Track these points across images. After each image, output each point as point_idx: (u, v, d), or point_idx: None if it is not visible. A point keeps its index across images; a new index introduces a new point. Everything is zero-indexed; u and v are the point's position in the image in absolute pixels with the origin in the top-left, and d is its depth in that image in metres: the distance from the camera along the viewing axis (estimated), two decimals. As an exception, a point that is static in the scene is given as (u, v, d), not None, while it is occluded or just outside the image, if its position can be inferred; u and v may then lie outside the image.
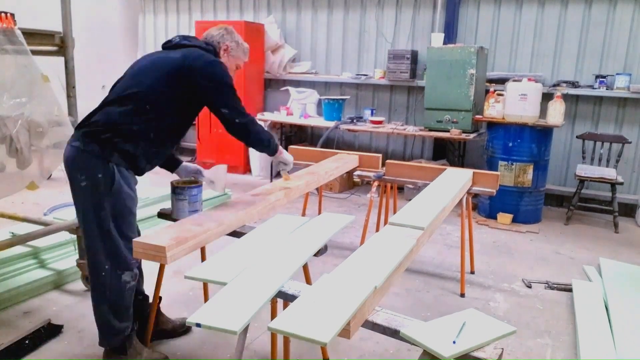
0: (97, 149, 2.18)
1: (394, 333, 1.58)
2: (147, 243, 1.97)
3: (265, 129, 2.55)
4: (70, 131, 2.74)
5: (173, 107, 2.30)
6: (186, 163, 2.71)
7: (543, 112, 4.89)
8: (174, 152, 2.63)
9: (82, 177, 2.19)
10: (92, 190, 2.19)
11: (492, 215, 5.04)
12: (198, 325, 1.54)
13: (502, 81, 5.41)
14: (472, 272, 3.71)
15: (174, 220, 2.43)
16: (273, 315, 1.98)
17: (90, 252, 2.29)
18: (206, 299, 2.92)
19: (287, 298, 1.80)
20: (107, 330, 2.36)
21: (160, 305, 2.74)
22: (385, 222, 3.72)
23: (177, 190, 2.50)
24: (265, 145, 2.52)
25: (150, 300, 2.64)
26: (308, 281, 2.38)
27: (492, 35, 5.77)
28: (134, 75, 2.31)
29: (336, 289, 1.65)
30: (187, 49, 2.34)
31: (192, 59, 2.28)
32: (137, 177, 2.39)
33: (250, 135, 2.43)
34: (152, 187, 4.99)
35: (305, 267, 2.38)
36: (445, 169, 3.57)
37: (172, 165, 2.64)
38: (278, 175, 2.94)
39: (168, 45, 2.42)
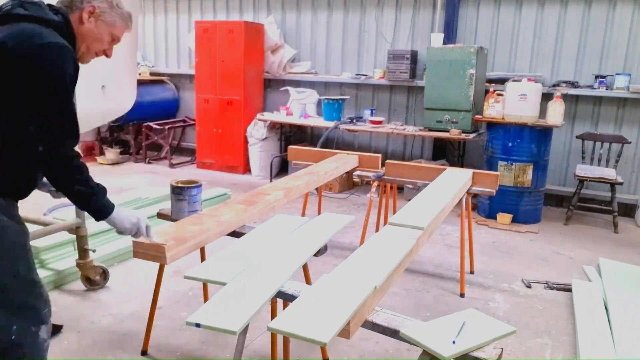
0: None
1: (393, 333, 1.58)
2: (147, 243, 1.97)
3: (93, 181, 1.73)
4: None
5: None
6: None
7: (543, 112, 4.89)
8: None
9: None
10: None
11: (491, 216, 5.04)
12: (198, 325, 1.53)
13: (501, 81, 5.41)
14: (472, 272, 3.71)
15: (174, 220, 2.43)
16: (273, 315, 1.98)
17: None
18: (206, 299, 2.92)
19: (287, 298, 1.80)
20: None
21: (161, 305, 2.74)
22: (385, 222, 3.72)
23: (176, 190, 2.50)
24: (86, 201, 1.74)
25: (150, 300, 2.63)
26: (308, 281, 2.38)
27: (491, 35, 5.77)
28: None
29: (336, 289, 1.65)
30: (15, 25, 1.59)
31: (17, 41, 1.55)
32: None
33: (68, 178, 1.68)
34: (152, 187, 4.99)
35: (305, 267, 2.38)
36: (444, 169, 3.57)
37: None
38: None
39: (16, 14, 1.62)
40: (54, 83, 1.58)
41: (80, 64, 1.73)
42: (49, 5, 1.70)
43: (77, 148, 1.74)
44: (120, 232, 1.85)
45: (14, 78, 1.55)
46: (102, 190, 1.76)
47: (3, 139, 1.61)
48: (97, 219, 1.78)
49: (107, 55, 1.87)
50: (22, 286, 1.68)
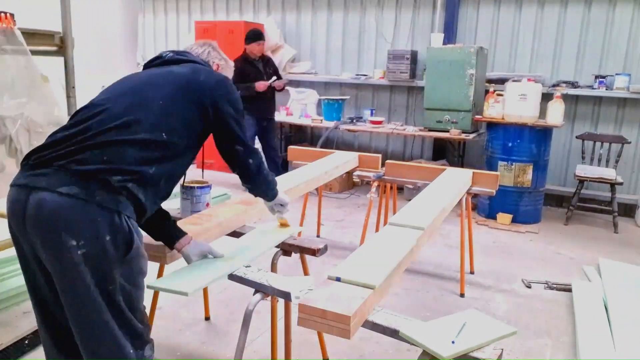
0: (107, 199, 1.50)
1: (393, 333, 1.58)
2: (147, 243, 1.96)
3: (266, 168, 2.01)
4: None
5: (188, 135, 1.74)
6: (196, 241, 1.98)
7: (543, 112, 4.89)
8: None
9: (79, 241, 1.46)
10: (95, 258, 1.49)
11: (491, 216, 5.04)
12: (154, 288, 1.77)
13: (501, 81, 5.41)
14: (472, 273, 3.71)
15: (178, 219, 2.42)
16: (273, 314, 1.98)
17: (100, 342, 1.55)
18: (206, 298, 2.93)
19: (288, 298, 1.80)
20: None
21: (161, 305, 2.74)
22: (385, 222, 3.72)
23: (182, 189, 2.46)
24: (271, 189, 2.08)
25: (150, 300, 2.63)
26: (308, 281, 2.38)
27: (491, 35, 5.77)
28: (133, 93, 1.70)
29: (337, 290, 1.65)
30: (191, 64, 1.86)
31: (205, 74, 1.80)
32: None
33: (260, 177, 1.96)
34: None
35: (305, 267, 2.38)
36: (444, 169, 3.57)
37: (167, 233, 1.92)
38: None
39: (157, 62, 1.88)
40: (243, 112, 1.88)
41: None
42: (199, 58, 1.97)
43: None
44: (284, 209, 2.20)
45: (203, 102, 1.74)
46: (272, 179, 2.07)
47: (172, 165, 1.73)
48: (272, 199, 2.12)
49: None
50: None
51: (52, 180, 1.48)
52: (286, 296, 1.76)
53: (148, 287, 1.71)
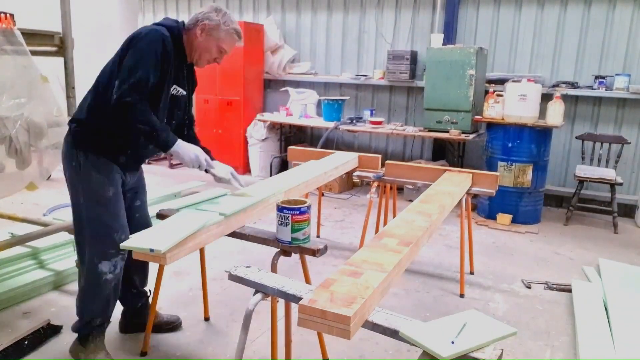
0: (70, 140, 2.29)
1: (393, 333, 1.58)
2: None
3: (146, 110, 2.14)
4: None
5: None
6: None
7: (542, 112, 4.89)
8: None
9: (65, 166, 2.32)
10: (70, 178, 2.31)
11: (491, 216, 5.04)
12: (128, 248, 1.92)
13: (501, 82, 5.42)
14: (472, 273, 3.71)
15: None
16: (273, 315, 1.98)
17: (76, 238, 2.36)
18: (206, 298, 2.92)
19: (288, 298, 1.80)
20: (78, 317, 2.40)
21: (161, 306, 2.74)
22: (385, 223, 3.72)
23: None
24: (152, 139, 2.21)
25: (150, 300, 2.63)
26: (307, 280, 2.38)
27: (491, 35, 5.77)
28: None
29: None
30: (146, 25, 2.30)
31: (135, 32, 2.21)
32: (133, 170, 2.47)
33: (129, 116, 2.12)
34: (152, 187, 4.99)
35: (305, 267, 2.38)
36: (444, 170, 3.57)
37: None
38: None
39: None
40: (141, 47, 2.12)
41: (196, 67, 2.44)
42: (175, 20, 2.35)
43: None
44: (186, 164, 2.31)
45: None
46: (163, 128, 2.21)
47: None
48: (164, 151, 2.25)
49: (217, 63, 2.41)
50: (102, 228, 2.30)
51: None
52: (288, 297, 1.76)
53: (122, 247, 1.96)
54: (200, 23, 2.26)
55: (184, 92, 2.38)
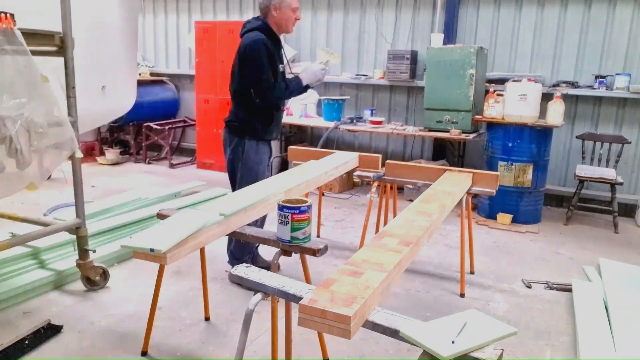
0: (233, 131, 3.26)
1: (393, 333, 1.58)
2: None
3: (281, 87, 3.12)
4: (70, 131, 2.74)
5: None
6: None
7: (543, 112, 4.89)
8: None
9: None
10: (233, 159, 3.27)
11: (491, 216, 5.04)
12: (128, 248, 1.92)
13: (501, 81, 5.41)
14: (472, 273, 3.71)
15: None
16: (273, 314, 1.98)
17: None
18: (206, 298, 2.93)
19: (289, 298, 1.80)
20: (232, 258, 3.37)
21: (161, 306, 2.74)
22: (385, 223, 3.72)
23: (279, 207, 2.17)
24: (294, 95, 3.33)
25: (150, 300, 2.63)
26: (308, 280, 2.38)
27: (491, 35, 5.77)
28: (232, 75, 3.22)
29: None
30: (245, 36, 3.08)
31: (242, 46, 3.04)
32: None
33: (274, 103, 3.19)
34: (152, 187, 4.99)
35: (305, 267, 2.38)
36: (444, 170, 3.57)
37: None
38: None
39: (244, 31, 3.15)
40: (256, 58, 3.01)
41: (287, 35, 3.47)
42: (257, 17, 3.19)
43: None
44: (318, 83, 3.34)
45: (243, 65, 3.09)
46: (289, 88, 3.20)
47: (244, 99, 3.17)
48: (304, 92, 3.34)
49: (298, 19, 3.24)
50: None
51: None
52: (288, 297, 1.76)
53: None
54: (271, 5, 3.03)
55: (284, 63, 3.27)
